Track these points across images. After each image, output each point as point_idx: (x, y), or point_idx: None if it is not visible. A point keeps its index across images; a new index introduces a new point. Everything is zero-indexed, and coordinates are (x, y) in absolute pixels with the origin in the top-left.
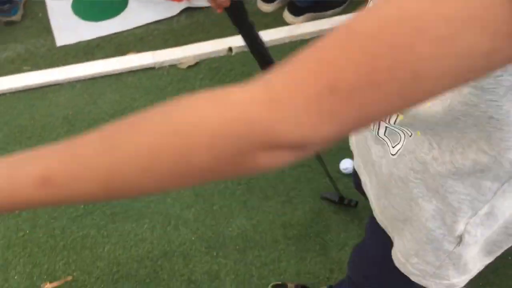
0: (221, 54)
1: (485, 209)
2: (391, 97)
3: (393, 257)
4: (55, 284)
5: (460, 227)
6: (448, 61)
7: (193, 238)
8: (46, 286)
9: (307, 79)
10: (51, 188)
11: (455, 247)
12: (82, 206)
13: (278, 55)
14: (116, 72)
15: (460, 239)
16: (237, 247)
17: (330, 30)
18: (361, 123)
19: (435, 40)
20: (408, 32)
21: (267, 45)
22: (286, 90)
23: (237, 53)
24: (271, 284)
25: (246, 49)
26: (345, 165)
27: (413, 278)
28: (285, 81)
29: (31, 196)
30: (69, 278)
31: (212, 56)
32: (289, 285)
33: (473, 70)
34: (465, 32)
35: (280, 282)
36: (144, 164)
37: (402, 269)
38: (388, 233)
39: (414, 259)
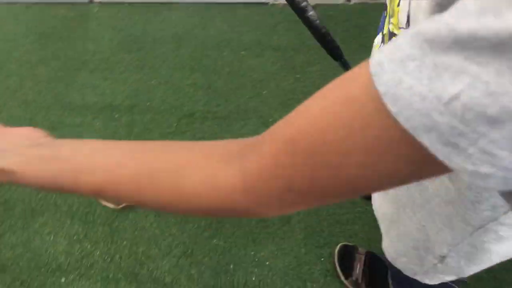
0: (339, 2)
1: (465, 246)
2: (341, 190)
3: (384, 251)
4: None
5: (443, 250)
6: (377, 179)
7: None
8: None
9: (271, 179)
10: (101, 196)
11: (438, 263)
12: (175, 123)
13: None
14: (230, 2)
15: (442, 259)
16: None
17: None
18: (322, 203)
19: (358, 165)
20: (336, 155)
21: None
22: (258, 185)
23: (355, 4)
24: (342, 243)
25: (366, 2)
26: None
27: (405, 273)
28: (257, 177)
29: (88, 195)
30: None
31: (330, 2)
32: (360, 249)
33: (404, 182)
34: (383, 162)
35: (352, 244)
36: (159, 205)
37: (394, 264)
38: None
39: (403, 258)
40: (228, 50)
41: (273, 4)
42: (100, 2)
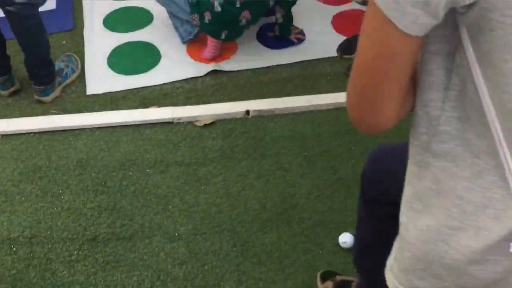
0: (238, 116)
1: None
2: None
3: None
4: None
5: None
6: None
7: None
8: None
9: None
10: None
11: None
12: (75, 251)
13: None
14: (135, 123)
15: None
16: None
17: None
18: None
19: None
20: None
21: None
22: None
23: (253, 117)
24: None
25: (263, 114)
26: (344, 239)
27: None
28: None
29: None
30: None
31: (229, 117)
32: None
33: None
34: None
35: None
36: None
37: None
38: None
39: None
40: (133, 169)
41: (177, 123)
42: (4, 135)
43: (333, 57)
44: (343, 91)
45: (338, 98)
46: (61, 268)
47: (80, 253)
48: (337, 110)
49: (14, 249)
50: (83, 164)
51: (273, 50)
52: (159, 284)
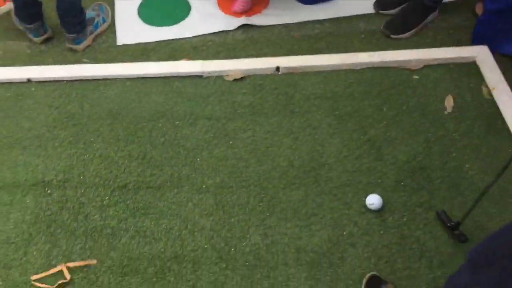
0: (268, 72)
1: None
2: None
3: None
4: (76, 263)
5: None
6: None
7: (206, 246)
8: (61, 267)
9: None
10: None
11: None
12: (107, 197)
13: None
14: (166, 76)
15: None
16: (247, 263)
17: None
18: None
19: None
20: None
21: None
22: None
23: (283, 73)
24: None
25: (294, 71)
26: (372, 200)
27: None
28: None
29: None
30: (94, 261)
31: (259, 73)
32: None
33: None
34: None
35: None
36: None
37: None
38: None
39: None
40: (163, 121)
41: (207, 77)
42: (38, 81)
43: (368, 14)
44: (378, 50)
45: (373, 57)
46: (93, 212)
47: (111, 198)
48: (370, 70)
49: (49, 191)
50: (114, 114)
51: (306, 5)
52: (187, 233)
